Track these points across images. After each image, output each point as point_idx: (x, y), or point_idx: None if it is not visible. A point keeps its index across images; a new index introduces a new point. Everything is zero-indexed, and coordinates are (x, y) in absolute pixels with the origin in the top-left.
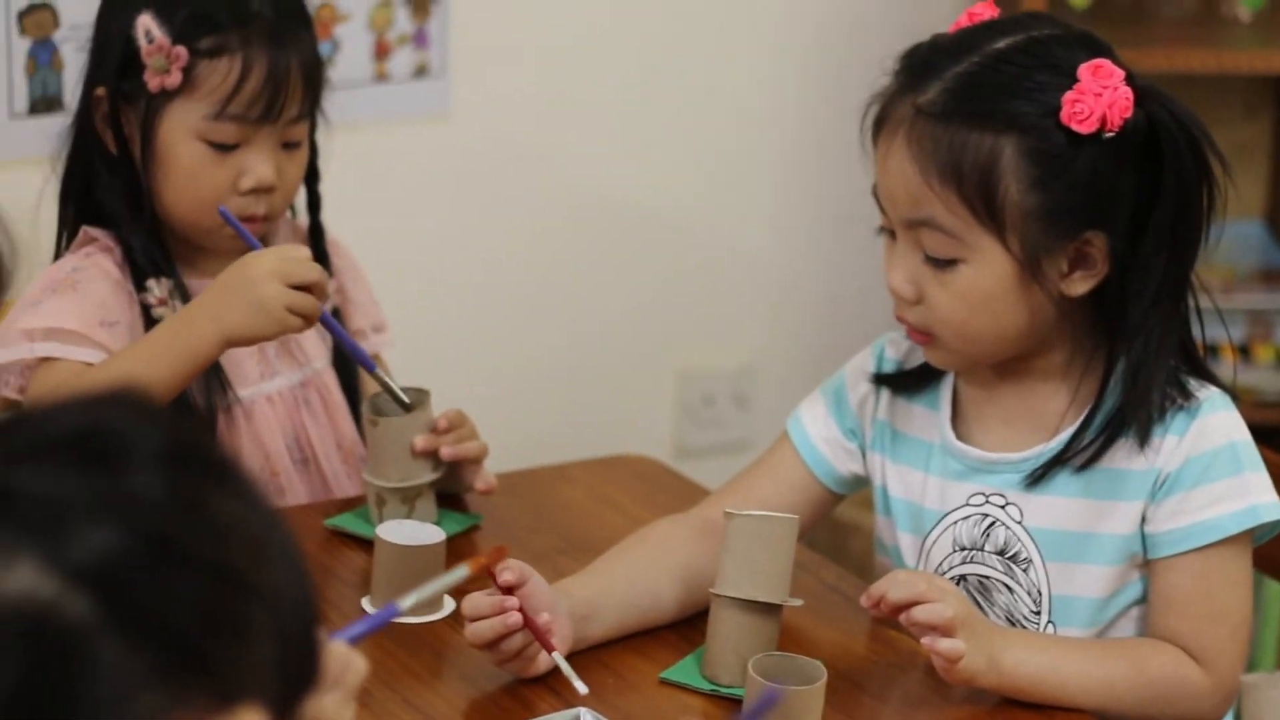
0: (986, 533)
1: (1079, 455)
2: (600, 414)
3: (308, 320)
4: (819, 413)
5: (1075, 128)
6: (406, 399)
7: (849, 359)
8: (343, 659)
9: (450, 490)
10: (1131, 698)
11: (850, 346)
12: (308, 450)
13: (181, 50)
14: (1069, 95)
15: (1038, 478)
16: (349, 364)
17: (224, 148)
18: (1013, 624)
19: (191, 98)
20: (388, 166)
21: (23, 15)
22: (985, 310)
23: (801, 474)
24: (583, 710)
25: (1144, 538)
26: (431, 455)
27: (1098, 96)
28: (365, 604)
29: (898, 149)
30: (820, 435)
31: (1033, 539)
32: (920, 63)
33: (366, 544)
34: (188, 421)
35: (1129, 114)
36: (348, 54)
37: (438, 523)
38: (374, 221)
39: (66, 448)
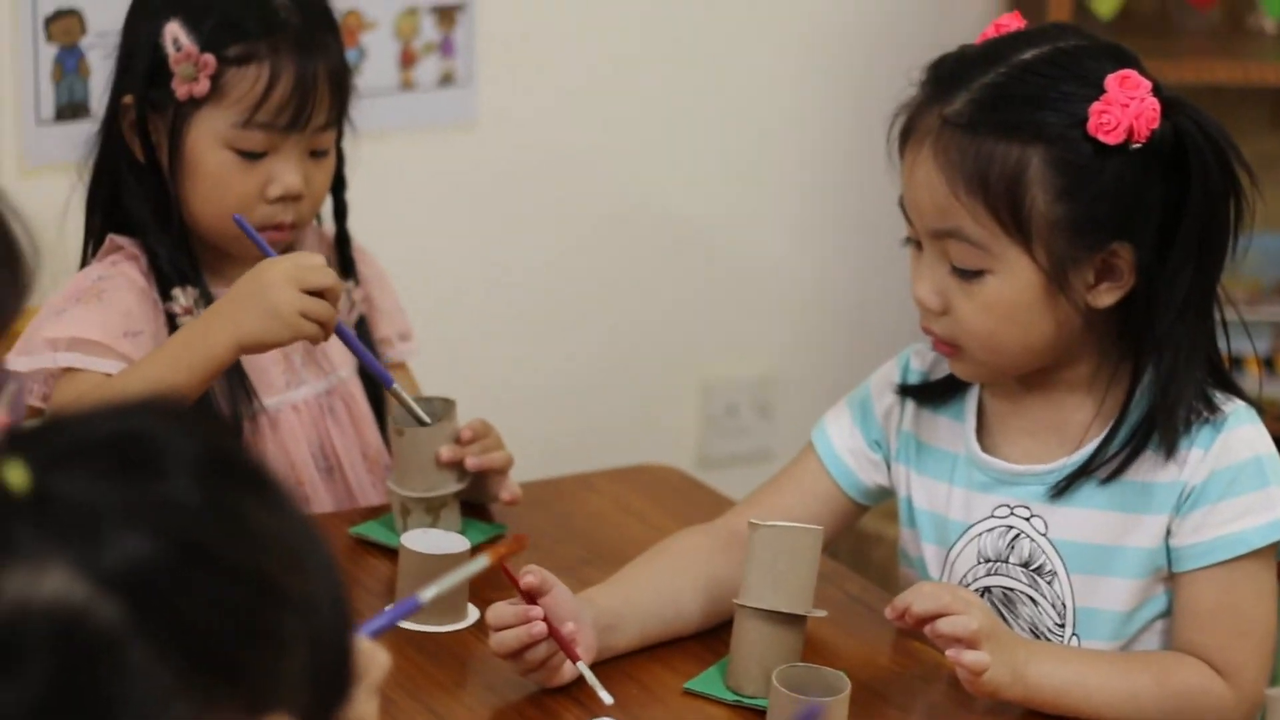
0: (1011, 545)
1: (1104, 467)
2: (624, 423)
3: (323, 326)
4: (844, 424)
5: (1102, 138)
6: (424, 415)
7: (873, 369)
8: (366, 654)
9: (475, 500)
10: (1156, 711)
11: (874, 357)
12: (333, 459)
13: (210, 58)
14: (1096, 106)
15: (1062, 490)
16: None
17: (251, 156)
18: (1037, 636)
19: (219, 105)
20: (413, 174)
21: (49, 21)
22: (1011, 321)
23: (826, 485)
24: None
25: (1169, 551)
26: (457, 466)
27: (1125, 107)
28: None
29: (924, 160)
30: (845, 446)
31: (1057, 551)
32: (947, 73)
33: (391, 552)
34: (224, 430)
35: (1156, 125)
36: (374, 62)
37: (462, 532)
38: (400, 229)
39: (102, 454)
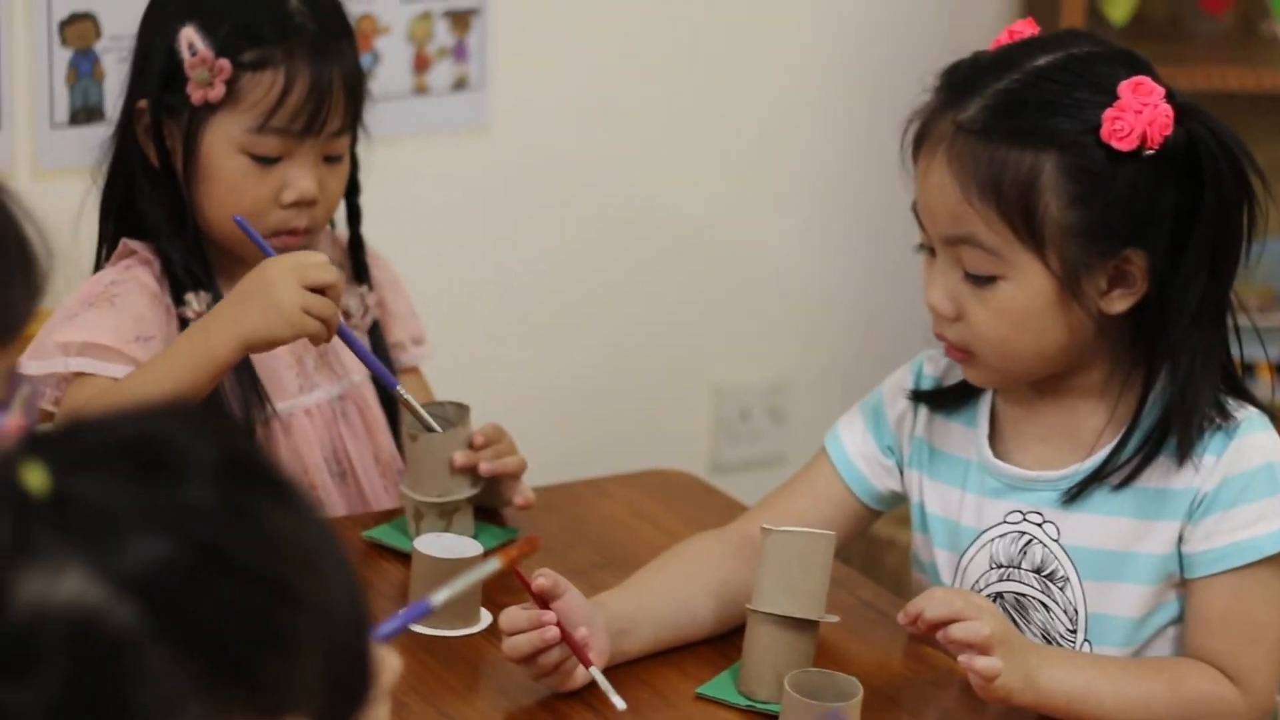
0: (1023, 550)
1: (1116, 474)
2: (636, 428)
3: (326, 323)
4: (857, 429)
5: (1115, 145)
6: (429, 418)
7: (885, 374)
8: (377, 658)
9: (488, 505)
10: (1168, 717)
11: (886, 362)
12: (345, 463)
13: (225, 63)
14: (1109, 112)
15: (1075, 496)
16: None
17: (266, 161)
18: (1049, 642)
19: (234, 110)
20: (427, 179)
21: (64, 25)
22: (1024, 328)
23: (839, 490)
24: None
25: (1181, 557)
26: (470, 471)
27: (1138, 114)
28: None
29: (938, 166)
30: (858, 452)
31: (1070, 557)
32: (961, 80)
33: (404, 556)
34: (243, 434)
35: (1169, 131)
36: (387, 66)
37: (475, 537)
38: (413, 234)
39: (122, 457)
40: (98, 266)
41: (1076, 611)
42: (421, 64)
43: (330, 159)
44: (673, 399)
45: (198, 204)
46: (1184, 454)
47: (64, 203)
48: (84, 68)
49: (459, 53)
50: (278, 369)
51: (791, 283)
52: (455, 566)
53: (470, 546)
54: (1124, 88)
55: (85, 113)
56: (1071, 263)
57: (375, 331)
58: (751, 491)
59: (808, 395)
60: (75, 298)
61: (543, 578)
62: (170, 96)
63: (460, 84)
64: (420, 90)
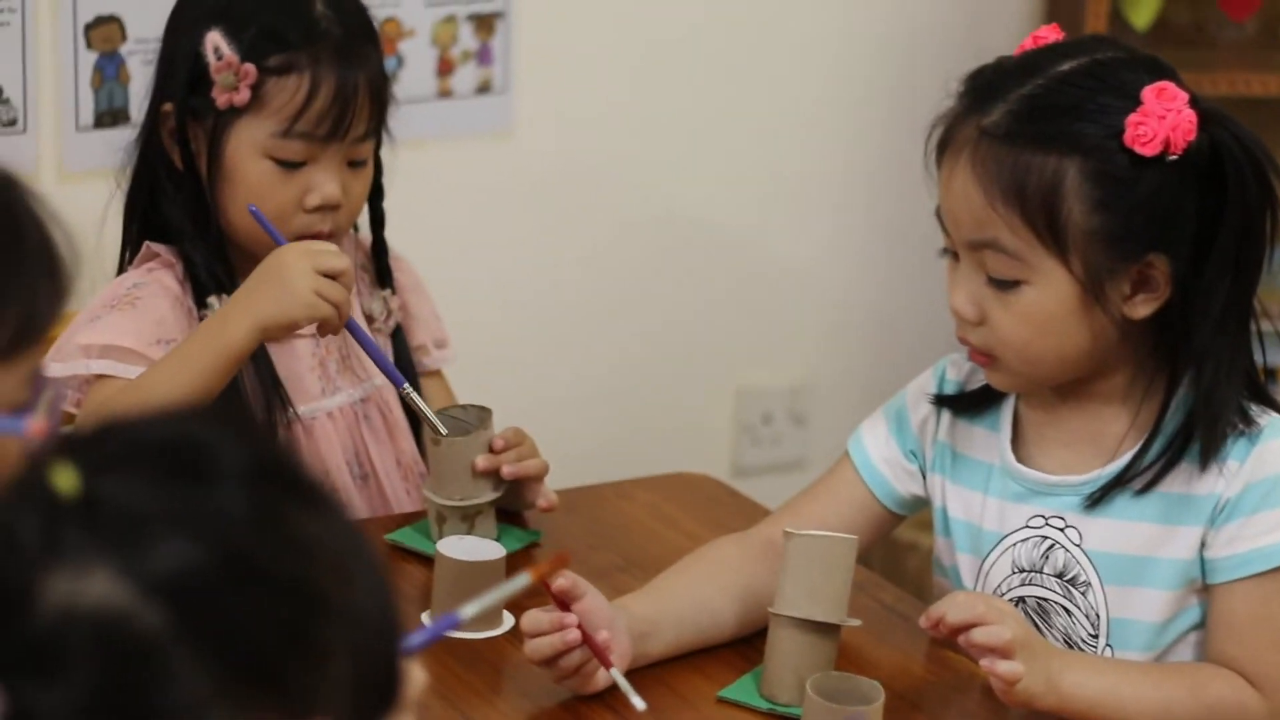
0: (1045, 555)
1: (1139, 479)
2: (658, 432)
3: (338, 310)
4: (880, 433)
5: (1139, 150)
6: (436, 419)
7: (907, 378)
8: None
9: (511, 508)
10: None
11: (908, 366)
12: (367, 466)
13: (250, 67)
14: (1133, 118)
15: (1097, 500)
16: (410, 380)
17: (290, 165)
18: (1071, 647)
19: (259, 115)
20: (451, 183)
21: (89, 28)
22: (1047, 332)
23: (862, 494)
24: None
25: (1203, 563)
26: (493, 474)
27: (1161, 119)
28: (425, 619)
29: (962, 170)
30: (881, 456)
31: (1092, 562)
32: (985, 85)
33: (426, 559)
34: (275, 438)
35: (1192, 137)
36: (412, 70)
37: (498, 539)
38: (436, 238)
39: (153, 459)
40: (121, 269)
41: (1098, 616)
42: (445, 68)
43: (354, 163)
44: (695, 402)
45: (221, 208)
46: (1207, 459)
47: (88, 205)
48: (109, 70)
49: (483, 56)
50: (300, 371)
51: (814, 287)
52: (478, 569)
53: (493, 549)
54: (1148, 93)
55: (110, 115)
56: (1095, 267)
57: (398, 335)
58: (772, 495)
59: (829, 399)
60: (98, 300)
61: (562, 578)
62: (195, 100)
63: (484, 88)
64: (444, 94)
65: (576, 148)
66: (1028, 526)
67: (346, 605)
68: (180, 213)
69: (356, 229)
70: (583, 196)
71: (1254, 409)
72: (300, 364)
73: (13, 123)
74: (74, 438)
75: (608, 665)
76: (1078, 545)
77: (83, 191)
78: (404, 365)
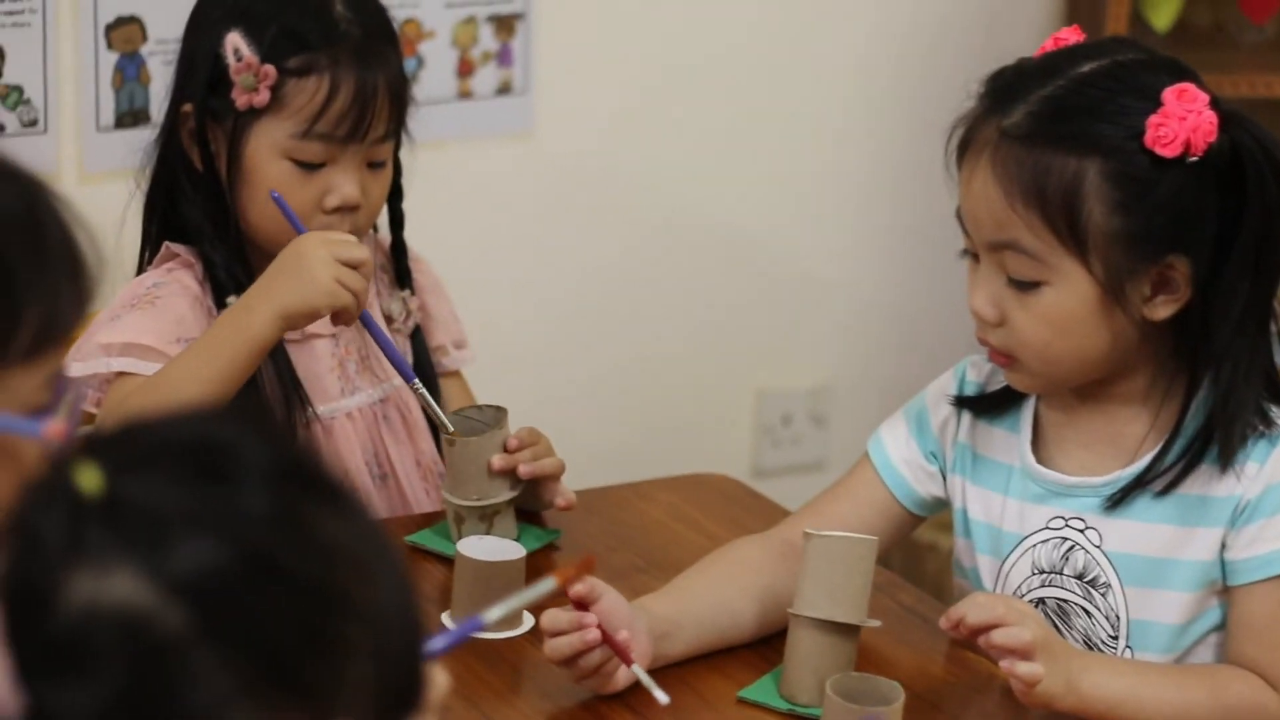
0: (1065, 556)
1: (1159, 480)
2: (678, 432)
3: (357, 298)
4: (900, 434)
5: (1159, 151)
6: (443, 414)
7: (928, 380)
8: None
9: (529, 507)
10: None
11: (928, 367)
12: (387, 467)
13: (270, 69)
14: (1153, 119)
15: (1117, 502)
16: (429, 381)
17: (310, 166)
18: (1090, 648)
19: (279, 116)
20: (470, 184)
21: (110, 29)
22: (1067, 333)
23: (882, 495)
24: None
25: (1223, 564)
26: (509, 473)
27: (1182, 120)
28: (445, 619)
29: (982, 171)
30: (901, 457)
31: (1112, 563)
32: (1005, 86)
33: (446, 560)
34: (298, 438)
35: (1213, 138)
36: (432, 71)
37: (517, 539)
38: (456, 239)
39: (176, 460)
40: (140, 269)
41: (1118, 618)
42: (466, 69)
43: (373, 164)
44: (715, 403)
45: (240, 208)
46: (1226, 461)
47: (109, 206)
48: (130, 71)
49: (503, 58)
50: (319, 372)
51: (834, 288)
52: (497, 569)
53: (513, 549)
54: (1168, 94)
55: (131, 116)
56: (1115, 269)
57: (417, 336)
58: (792, 496)
59: (849, 400)
60: (117, 300)
61: (579, 584)
62: (215, 101)
63: (504, 89)
64: (464, 95)
65: (596, 149)
66: (1048, 528)
67: (368, 605)
68: (199, 213)
69: (376, 230)
70: (603, 197)
71: (1274, 410)
72: (319, 364)
73: (34, 123)
74: (97, 437)
75: (628, 661)
76: (1098, 546)
77: (103, 192)
78: (423, 366)
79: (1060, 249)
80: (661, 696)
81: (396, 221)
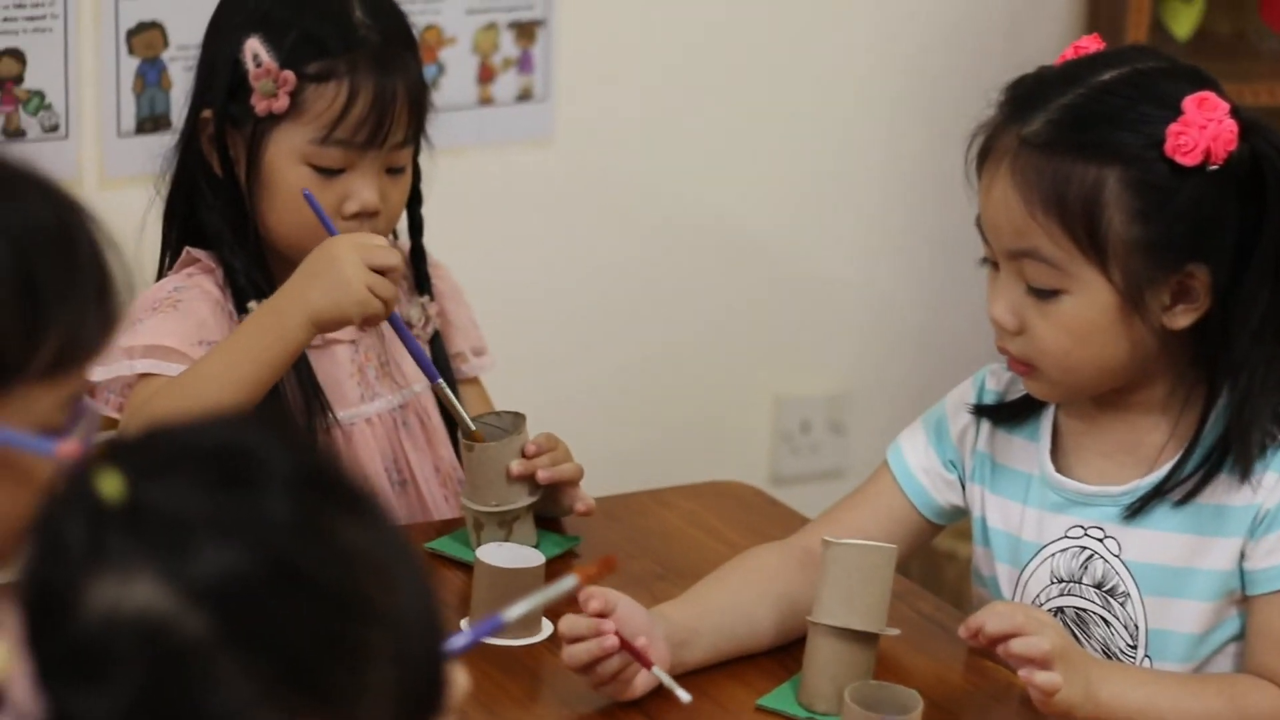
0: (1084, 565)
1: (1178, 489)
2: (696, 440)
3: (387, 306)
4: (919, 443)
5: (1179, 160)
6: (466, 416)
7: (947, 388)
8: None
9: (548, 513)
10: None
11: (948, 375)
12: (406, 473)
13: (289, 74)
14: (1173, 127)
15: (1136, 511)
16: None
17: (329, 172)
18: (1109, 657)
19: (298, 122)
20: (490, 190)
21: (131, 34)
22: (1087, 342)
23: (900, 504)
24: None
25: (1242, 574)
26: (528, 479)
27: (1202, 129)
28: (464, 626)
29: (1002, 180)
30: (920, 466)
31: (1131, 573)
32: (1025, 94)
33: (466, 567)
34: (322, 445)
35: (1233, 147)
36: (452, 78)
37: (536, 545)
38: (476, 244)
39: (199, 466)
40: (160, 274)
41: (1137, 627)
42: (486, 75)
43: (393, 170)
44: (733, 410)
45: (260, 214)
46: (1243, 471)
47: (129, 211)
48: (151, 77)
49: (524, 64)
50: (339, 377)
51: (853, 295)
52: (517, 576)
53: (532, 556)
54: (1188, 103)
55: (152, 121)
56: (1134, 277)
57: (436, 342)
58: (810, 504)
59: (868, 408)
60: (138, 304)
61: (594, 600)
62: (234, 107)
63: (525, 95)
64: (485, 101)
65: (617, 155)
66: (1066, 537)
67: (390, 611)
68: (219, 219)
69: (395, 235)
70: (623, 203)
71: None
72: (339, 370)
73: (55, 128)
74: (119, 443)
75: (648, 665)
76: (1116, 556)
77: (124, 197)
78: (442, 373)
79: (1080, 257)
80: (684, 695)
81: (416, 227)
